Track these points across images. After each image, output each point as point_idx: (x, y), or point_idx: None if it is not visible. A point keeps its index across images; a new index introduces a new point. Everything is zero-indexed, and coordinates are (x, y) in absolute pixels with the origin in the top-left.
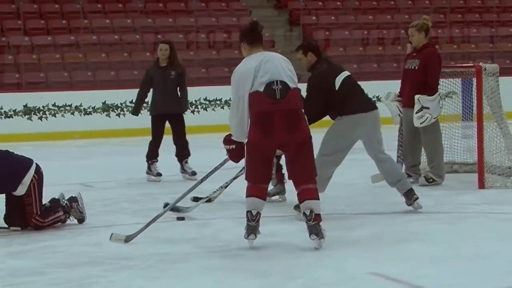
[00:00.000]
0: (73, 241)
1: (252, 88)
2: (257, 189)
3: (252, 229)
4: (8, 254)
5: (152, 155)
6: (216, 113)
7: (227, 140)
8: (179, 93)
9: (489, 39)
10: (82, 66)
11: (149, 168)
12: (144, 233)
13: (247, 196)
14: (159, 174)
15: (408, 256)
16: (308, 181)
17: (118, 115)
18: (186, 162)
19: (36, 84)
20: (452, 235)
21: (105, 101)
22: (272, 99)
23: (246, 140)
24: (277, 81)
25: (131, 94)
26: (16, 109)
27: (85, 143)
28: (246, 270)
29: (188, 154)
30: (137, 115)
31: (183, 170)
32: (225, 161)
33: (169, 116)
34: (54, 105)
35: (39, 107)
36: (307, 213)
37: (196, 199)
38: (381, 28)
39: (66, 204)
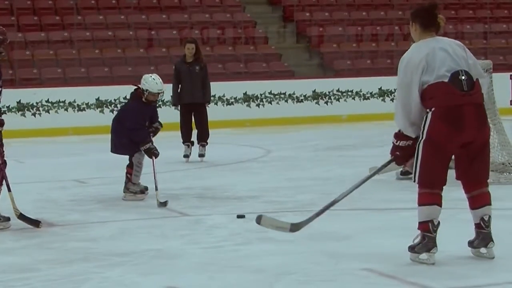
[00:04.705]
0: (67, 237)
1: (427, 80)
2: (436, 196)
3: (434, 241)
4: (1, 250)
5: (184, 138)
6: (209, 109)
7: (401, 136)
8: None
9: (482, 36)
10: (75, 62)
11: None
12: (137, 228)
13: (424, 204)
14: (186, 156)
15: (401, 252)
16: (483, 185)
17: (112, 111)
18: (203, 145)
19: (29, 80)
20: (444, 231)
21: (98, 97)
22: (461, 90)
23: (422, 137)
24: (462, 71)
25: (124, 90)
26: (9, 106)
27: (78, 139)
28: (239, 266)
29: (207, 138)
30: (178, 105)
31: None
32: (389, 162)
33: (193, 105)
34: (47, 101)
35: (32, 104)
36: (486, 219)
37: None
38: (374, 24)
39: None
